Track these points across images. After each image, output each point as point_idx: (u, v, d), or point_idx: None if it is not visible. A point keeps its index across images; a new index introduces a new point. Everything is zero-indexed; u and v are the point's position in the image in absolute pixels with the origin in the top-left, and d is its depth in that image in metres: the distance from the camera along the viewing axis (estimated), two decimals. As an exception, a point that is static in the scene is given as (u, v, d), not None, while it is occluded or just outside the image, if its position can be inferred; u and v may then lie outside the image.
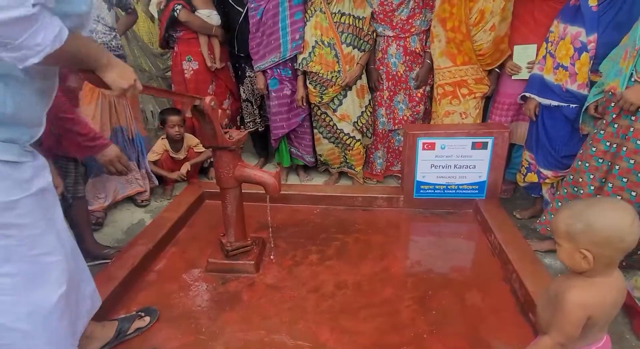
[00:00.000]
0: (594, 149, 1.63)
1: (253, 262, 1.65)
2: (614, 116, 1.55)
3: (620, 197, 1.55)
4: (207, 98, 1.37)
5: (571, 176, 1.83)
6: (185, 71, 2.53)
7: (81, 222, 1.81)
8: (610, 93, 1.58)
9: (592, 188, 1.63)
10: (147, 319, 1.36)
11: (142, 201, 2.47)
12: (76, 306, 1.06)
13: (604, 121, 1.60)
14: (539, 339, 0.89)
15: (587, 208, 0.80)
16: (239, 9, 2.47)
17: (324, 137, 2.58)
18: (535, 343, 0.90)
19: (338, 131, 2.52)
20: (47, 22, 0.77)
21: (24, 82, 0.83)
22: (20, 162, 0.87)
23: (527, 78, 2.08)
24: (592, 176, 1.63)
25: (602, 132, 1.60)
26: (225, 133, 1.49)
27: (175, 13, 2.33)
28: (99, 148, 1.53)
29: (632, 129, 1.49)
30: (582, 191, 1.66)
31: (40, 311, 0.94)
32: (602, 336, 0.90)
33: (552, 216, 1.94)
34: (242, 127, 2.92)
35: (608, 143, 1.58)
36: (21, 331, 0.93)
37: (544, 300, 0.92)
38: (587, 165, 1.66)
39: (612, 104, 1.56)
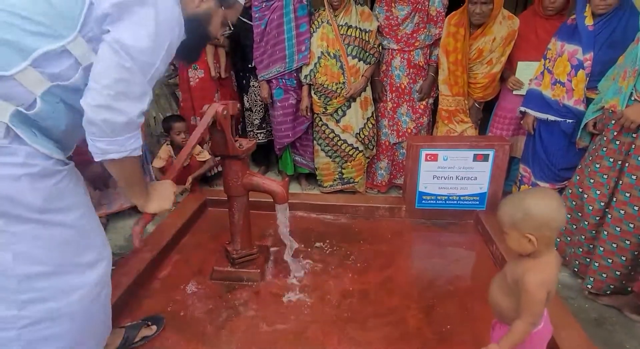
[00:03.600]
0: (597, 166, 1.68)
1: (259, 270, 1.65)
2: (615, 133, 1.61)
3: (623, 211, 1.59)
4: (220, 107, 1.39)
5: (570, 191, 1.88)
6: (191, 79, 2.56)
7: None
8: (610, 111, 1.64)
9: (602, 204, 1.67)
10: (154, 328, 1.36)
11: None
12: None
13: (605, 138, 1.66)
14: (514, 325, 0.94)
15: (522, 200, 0.93)
16: (250, 22, 2.50)
17: (321, 149, 2.60)
18: (511, 331, 0.95)
19: (340, 142, 2.55)
20: (139, 134, 0.94)
21: (77, 111, 0.91)
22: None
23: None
24: (598, 193, 1.67)
25: (604, 149, 1.65)
26: (236, 141, 1.50)
27: None
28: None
29: (634, 146, 1.55)
30: (590, 208, 1.70)
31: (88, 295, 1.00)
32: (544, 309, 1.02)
33: None
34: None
35: (612, 160, 1.63)
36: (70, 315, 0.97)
37: (499, 289, 1.02)
38: (591, 181, 1.70)
39: (613, 122, 1.62)
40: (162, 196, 1.13)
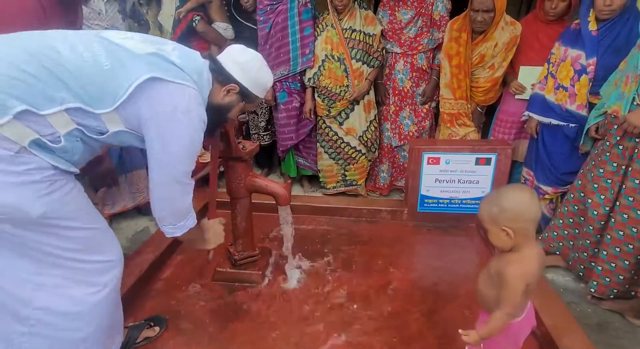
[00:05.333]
0: (601, 171, 1.68)
1: (260, 272, 1.66)
2: (618, 138, 1.61)
3: (627, 216, 1.59)
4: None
5: (572, 195, 1.88)
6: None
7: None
8: (612, 116, 1.64)
9: (607, 208, 1.67)
10: (157, 329, 1.36)
11: (147, 209, 2.47)
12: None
13: (608, 143, 1.66)
14: (492, 315, 0.99)
15: (497, 196, 0.99)
16: (254, 26, 2.51)
17: (325, 152, 2.61)
18: (490, 320, 0.99)
19: (343, 144, 2.56)
20: (193, 216, 1.21)
21: (92, 150, 1.05)
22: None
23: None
24: (602, 197, 1.67)
25: (607, 153, 1.66)
26: (239, 143, 1.51)
27: (193, 23, 2.39)
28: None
29: (637, 150, 1.55)
30: (595, 213, 1.70)
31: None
32: (528, 301, 1.07)
33: (554, 233, 1.98)
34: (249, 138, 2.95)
35: (615, 165, 1.63)
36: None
37: (485, 281, 1.06)
38: (595, 186, 1.70)
39: (615, 127, 1.62)
40: (217, 236, 1.38)
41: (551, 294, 1.51)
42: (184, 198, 1.14)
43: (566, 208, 1.91)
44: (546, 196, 2.15)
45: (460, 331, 1.02)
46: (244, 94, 1.21)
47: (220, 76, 1.16)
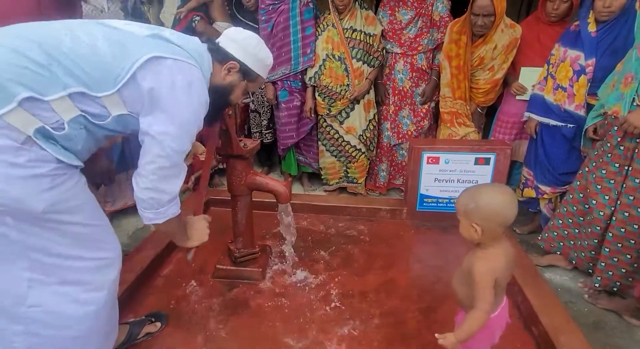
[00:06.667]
0: (603, 172, 1.69)
1: (260, 269, 1.67)
2: (619, 139, 1.62)
3: (627, 214, 1.61)
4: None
5: (571, 196, 1.89)
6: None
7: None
8: (612, 117, 1.65)
9: (612, 208, 1.68)
10: (158, 324, 1.37)
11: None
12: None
13: (609, 144, 1.67)
14: (469, 314, 1.00)
15: (477, 192, 0.99)
16: (255, 26, 2.52)
17: (327, 150, 2.63)
18: (466, 320, 1.00)
19: (344, 143, 2.57)
20: (178, 202, 1.13)
21: (97, 139, 1.04)
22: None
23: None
24: (607, 198, 1.68)
25: (609, 155, 1.67)
26: (240, 141, 1.52)
27: (193, 23, 2.40)
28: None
29: (637, 150, 1.56)
30: (601, 213, 1.70)
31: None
32: (503, 297, 1.08)
33: (554, 233, 1.99)
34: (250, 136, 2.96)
35: (617, 165, 1.64)
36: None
37: (458, 279, 1.08)
38: (598, 187, 1.71)
39: (616, 128, 1.63)
40: (200, 232, 1.32)
41: (548, 293, 1.52)
42: (171, 181, 1.07)
43: (565, 209, 1.92)
44: (545, 196, 2.17)
45: (436, 335, 1.01)
46: (245, 72, 1.20)
47: (220, 55, 1.15)
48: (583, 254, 1.85)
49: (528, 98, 2.17)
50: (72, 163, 0.98)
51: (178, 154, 1.05)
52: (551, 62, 2.03)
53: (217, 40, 1.19)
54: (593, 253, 1.80)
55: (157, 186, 1.04)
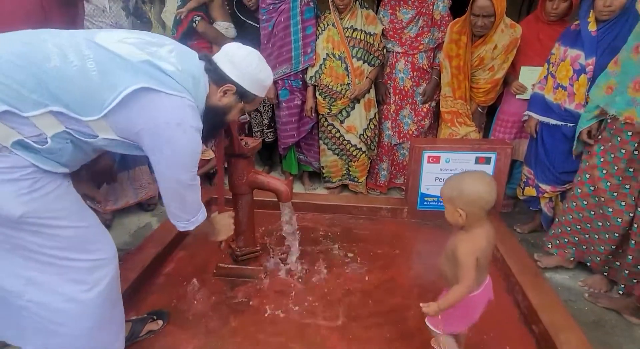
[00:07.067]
0: (619, 178, 1.67)
1: (262, 268, 1.68)
2: (636, 145, 1.59)
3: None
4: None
5: (579, 190, 1.85)
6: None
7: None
8: (622, 122, 1.61)
9: (631, 214, 1.66)
10: (160, 322, 1.38)
11: (149, 205, 2.49)
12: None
13: (623, 150, 1.63)
14: (452, 289, 1.08)
15: (460, 180, 1.08)
16: (256, 25, 2.53)
17: (328, 148, 2.64)
18: (449, 293, 1.09)
19: (345, 142, 2.58)
20: (204, 210, 1.26)
21: (85, 153, 1.03)
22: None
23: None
24: (624, 204, 1.66)
25: (625, 160, 1.64)
26: (242, 140, 1.53)
27: (194, 24, 2.40)
28: None
29: None
30: (619, 220, 1.68)
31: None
32: (486, 276, 1.16)
33: (568, 228, 1.94)
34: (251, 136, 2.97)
35: (632, 170, 1.62)
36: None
37: (443, 260, 1.16)
38: (614, 194, 1.69)
39: (629, 133, 1.60)
40: (225, 227, 1.44)
41: (549, 292, 1.53)
42: (193, 197, 1.17)
43: (574, 204, 1.87)
44: (545, 194, 2.17)
45: (421, 304, 1.10)
46: (242, 94, 1.16)
47: (216, 77, 1.12)
48: (599, 258, 1.83)
49: (528, 98, 2.18)
50: (56, 170, 0.96)
51: (190, 179, 1.12)
52: (551, 61, 2.03)
53: (215, 59, 1.15)
54: (610, 256, 1.79)
55: (183, 207, 1.17)
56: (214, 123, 1.18)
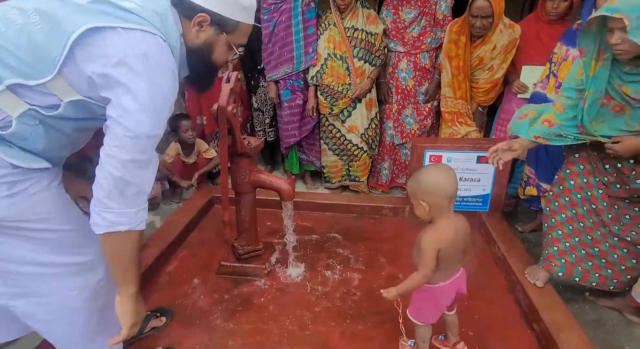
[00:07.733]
0: (615, 204, 1.57)
1: (264, 266, 1.69)
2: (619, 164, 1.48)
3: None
4: (229, 106, 1.43)
5: (556, 203, 1.73)
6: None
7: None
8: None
9: (609, 216, 1.56)
10: (163, 319, 1.40)
11: (152, 204, 2.51)
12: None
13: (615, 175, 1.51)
14: (411, 275, 1.14)
15: (418, 173, 1.13)
16: (258, 25, 2.54)
17: (329, 149, 2.64)
18: (407, 279, 1.15)
19: (346, 142, 2.58)
20: (147, 208, 0.95)
21: (61, 133, 0.90)
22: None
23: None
24: (628, 217, 1.55)
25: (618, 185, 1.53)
26: (244, 139, 1.54)
27: None
28: None
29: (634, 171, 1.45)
30: (634, 233, 1.56)
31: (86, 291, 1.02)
32: (458, 268, 1.21)
33: (563, 261, 1.79)
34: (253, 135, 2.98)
35: (619, 186, 1.52)
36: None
37: (415, 250, 1.19)
38: (609, 216, 1.58)
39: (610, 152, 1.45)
40: (135, 311, 1.03)
41: (550, 290, 1.54)
42: (140, 173, 0.88)
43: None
44: (546, 194, 2.17)
45: (381, 290, 1.16)
46: (220, 23, 0.98)
47: (185, 9, 0.94)
48: (599, 274, 1.67)
49: (529, 97, 2.18)
50: (37, 166, 0.87)
51: (148, 139, 0.87)
52: (553, 60, 2.03)
53: None
54: (597, 262, 1.64)
55: (122, 183, 0.85)
56: (202, 68, 1.02)
